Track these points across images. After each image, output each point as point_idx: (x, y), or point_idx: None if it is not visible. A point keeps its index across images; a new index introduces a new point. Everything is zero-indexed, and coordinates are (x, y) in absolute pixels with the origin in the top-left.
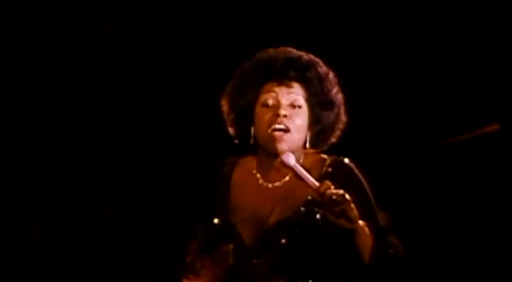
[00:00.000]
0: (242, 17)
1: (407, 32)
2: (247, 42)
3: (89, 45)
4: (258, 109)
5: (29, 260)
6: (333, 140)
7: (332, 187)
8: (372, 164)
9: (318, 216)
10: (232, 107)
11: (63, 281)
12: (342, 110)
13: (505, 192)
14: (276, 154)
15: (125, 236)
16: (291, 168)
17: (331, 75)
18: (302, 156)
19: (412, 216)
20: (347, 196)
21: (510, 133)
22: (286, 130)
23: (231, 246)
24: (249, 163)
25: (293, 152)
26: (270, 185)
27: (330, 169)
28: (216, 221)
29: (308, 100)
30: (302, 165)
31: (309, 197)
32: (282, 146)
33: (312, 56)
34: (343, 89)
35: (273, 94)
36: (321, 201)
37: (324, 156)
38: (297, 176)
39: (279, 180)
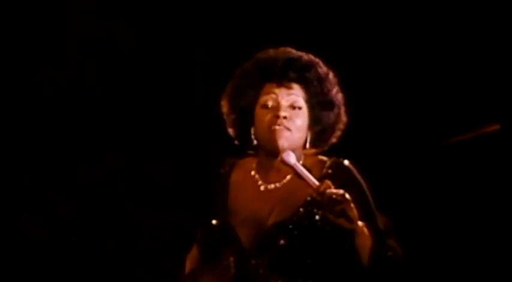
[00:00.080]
0: (242, 17)
1: (407, 32)
2: (247, 42)
3: (89, 45)
4: (258, 110)
5: (28, 260)
6: (334, 140)
7: (332, 187)
8: (371, 163)
9: (317, 217)
10: (232, 108)
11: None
12: (342, 110)
13: (505, 192)
14: (276, 152)
15: (124, 236)
16: (291, 167)
17: (331, 75)
18: (302, 157)
19: (412, 216)
20: (347, 196)
21: (510, 133)
22: (287, 130)
23: (232, 259)
24: (249, 164)
25: (293, 152)
26: (269, 187)
27: (329, 171)
28: (214, 222)
29: (308, 101)
30: (303, 165)
31: (308, 198)
32: (282, 143)
33: (311, 57)
34: (343, 89)
35: (273, 95)
36: (321, 200)
37: (324, 158)
38: (297, 174)
39: (278, 182)
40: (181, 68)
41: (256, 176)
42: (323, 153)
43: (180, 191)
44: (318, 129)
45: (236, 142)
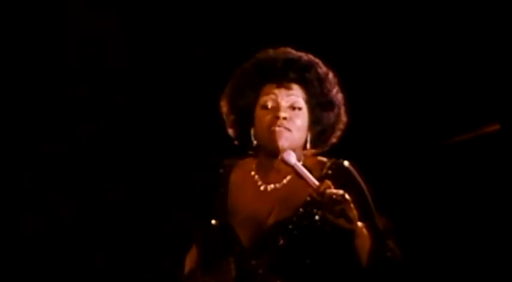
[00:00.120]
0: (241, 17)
1: (407, 32)
2: (247, 42)
3: (89, 45)
4: (258, 111)
5: (28, 260)
6: (334, 140)
7: (332, 187)
8: (371, 164)
9: (316, 217)
10: (232, 108)
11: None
12: (342, 110)
13: (505, 192)
14: (276, 152)
15: (124, 236)
16: (291, 167)
17: (330, 75)
18: (302, 158)
19: (411, 216)
20: (347, 196)
21: (510, 133)
22: (287, 131)
23: (232, 260)
24: (248, 164)
25: (293, 152)
26: (268, 187)
27: (329, 171)
28: (213, 222)
29: (308, 101)
30: (303, 165)
31: (308, 198)
32: (282, 143)
33: (311, 57)
34: (343, 89)
35: (273, 96)
36: (321, 200)
37: (324, 158)
38: (297, 174)
39: (278, 182)
40: (180, 68)
41: (256, 177)
42: (323, 154)
43: (180, 191)
44: (318, 129)
45: (236, 142)
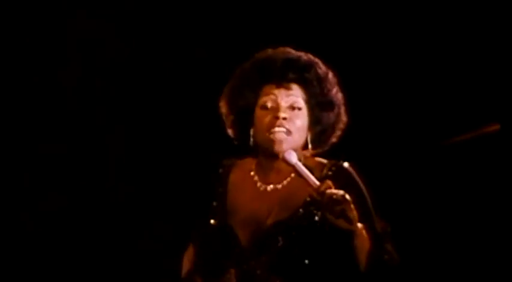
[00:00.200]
0: (241, 17)
1: (407, 32)
2: (246, 42)
3: (89, 45)
4: (258, 111)
5: (28, 260)
6: (334, 140)
7: (332, 187)
8: (371, 163)
9: (316, 217)
10: (231, 109)
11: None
12: (342, 109)
13: (505, 192)
14: (276, 156)
15: (124, 236)
16: (292, 166)
17: (330, 75)
18: (302, 159)
19: (411, 216)
20: (347, 196)
21: (510, 133)
22: (287, 132)
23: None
24: (248, 165)
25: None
26: (268, 188)
27: (329, 173)
28: (212, 221)
29: (308, 101)
30: (303, 164)
31: (308, 199)
32: (281, 149)
33: (311, 56)
34: (343, 88)
35: (272, 96)
36: (321, 200)
37: (323, 160)
38: (298, 174)
39: (278, 183)
40: (180, 68)
41: (256, 177)
42: (322, 155)
43: (180, 191)
44: (318, 129)
45: (235, 143)
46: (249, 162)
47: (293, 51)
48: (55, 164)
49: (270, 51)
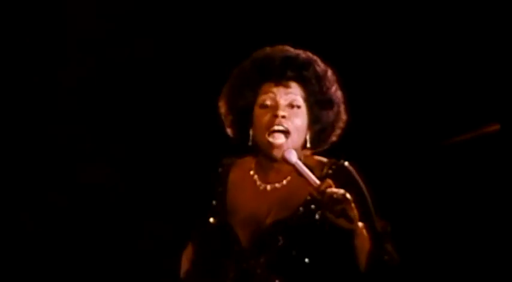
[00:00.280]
0: (239, 17)
1: (407, 30)
2: (244, 41)
3: (89, 45)
4: (257, 110)
5: (28, 260)
6: (334, 138)
7: (333, 186)
8: (371, 163)
9: (316, 216)
10: (230, 109)
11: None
12: (342, 108)
13: (505, 192)
14: (274, 159)
15: (123, 236)
16: (292, 165)
17: (329, 73)
18: (302, 157)
19: (411, 216)
20: (348, 195)
21: (510, 133)
22: (286, 132)
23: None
24: (247, 164)
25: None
26: (267, 187)
27: (329, 172)
28: (212, 220)
29: (307, 99)
30: (304, 163)
31: (308, 198)
32: (280, 155)
33: (309, 54)
34: (343, 86)
35: (271, 95)
36: (321, 199)
37: (323, 159)
38: (298, 172)
39: (277, 182)
40: (179, 68)
41: (255, 176)
42: (322, 154)
43: (180, 191)
44: (318, 128)
45: (234, 142)
46: (249, 162)
47: (291, 49)
48: (55, 163)
49: (268, 49)
